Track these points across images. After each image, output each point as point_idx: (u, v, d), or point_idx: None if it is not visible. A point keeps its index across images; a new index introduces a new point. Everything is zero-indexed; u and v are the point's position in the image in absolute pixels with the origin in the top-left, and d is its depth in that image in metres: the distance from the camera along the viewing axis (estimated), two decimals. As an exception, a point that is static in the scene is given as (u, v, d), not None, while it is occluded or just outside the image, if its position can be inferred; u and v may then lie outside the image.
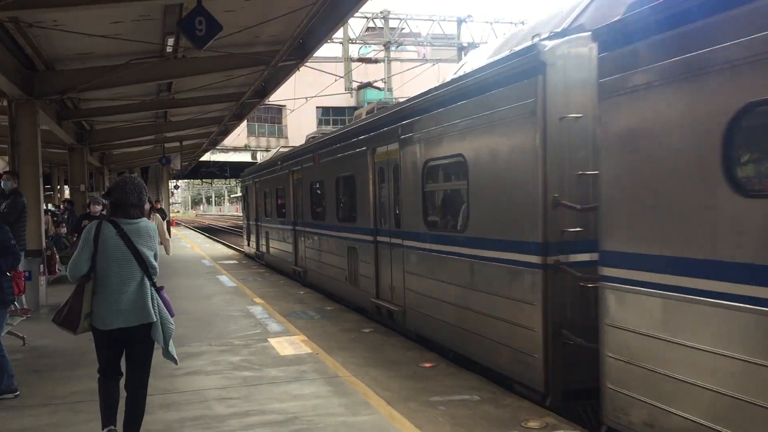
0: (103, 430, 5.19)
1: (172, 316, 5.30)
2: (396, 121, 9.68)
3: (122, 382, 5.36)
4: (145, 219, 5.36)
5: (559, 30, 6.54)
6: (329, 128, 30.53)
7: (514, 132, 6.64)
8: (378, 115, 10.97)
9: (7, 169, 16.98)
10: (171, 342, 5.26)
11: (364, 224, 11.35)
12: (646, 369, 4.91)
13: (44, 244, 13.05)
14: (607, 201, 5.35)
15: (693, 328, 4.52)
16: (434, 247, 8.59)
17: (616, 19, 5.21)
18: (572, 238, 6.21)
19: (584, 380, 6.00)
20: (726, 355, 4.25)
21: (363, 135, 11.27)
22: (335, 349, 8.79)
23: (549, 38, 6.35)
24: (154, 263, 5.20)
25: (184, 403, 6.58)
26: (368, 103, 44.52)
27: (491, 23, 27.24)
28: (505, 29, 26.27)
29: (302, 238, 15.87)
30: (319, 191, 14.52)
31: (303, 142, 17.69)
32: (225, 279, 17.11)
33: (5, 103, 12.86)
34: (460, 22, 27.18)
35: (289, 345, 9.07)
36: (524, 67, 6.41)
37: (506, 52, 7.25)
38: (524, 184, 6.49)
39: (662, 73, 4.68)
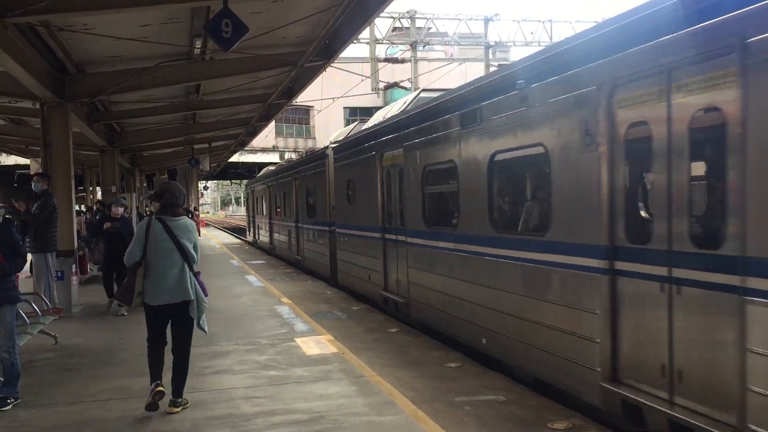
0: (151, 384, 6.38)
1: (206, 296, 6.52)
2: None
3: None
4: (185, 217, 6.60)
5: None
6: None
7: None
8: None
9: (40, 171, 17.34)
10: (204, 317, 6.50)
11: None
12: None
13: (76, 245, 13.25)
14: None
15: None
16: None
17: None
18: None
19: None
20: None
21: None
22: (361, 349, 8.80)
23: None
24: (193, 253, 6.43)
25: (211, 402, 6.63)
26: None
27: (518, 21, 27.09)
28: (532, 27, 26.12)
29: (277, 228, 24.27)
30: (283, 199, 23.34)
31: (330, 142, 17.94)
32: (253, 279, 17.23)
33: (37, 105, 13.08)
34: (487, 21, 27.05)
35: (315, 345, 9.11)
36: None
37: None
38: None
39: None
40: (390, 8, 25.52)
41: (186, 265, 6.33)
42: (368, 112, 52.46)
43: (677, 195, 5.02)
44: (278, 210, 24.34)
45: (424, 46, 27.32)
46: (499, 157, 7.57)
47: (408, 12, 25.96)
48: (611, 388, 5.58)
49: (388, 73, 34.26)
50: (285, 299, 13.37)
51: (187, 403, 6.46)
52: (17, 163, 34.27)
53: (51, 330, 9.39)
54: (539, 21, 26.88)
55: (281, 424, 5.96)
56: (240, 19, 8.16)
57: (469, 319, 8.33)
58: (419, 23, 26.73)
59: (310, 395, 6.79)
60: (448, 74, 26.92)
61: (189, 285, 6.30)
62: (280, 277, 17.72)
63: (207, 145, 26.67)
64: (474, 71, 17.08)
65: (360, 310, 12.12)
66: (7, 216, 15.74)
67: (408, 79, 25.48)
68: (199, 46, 12.24)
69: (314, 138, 49.92)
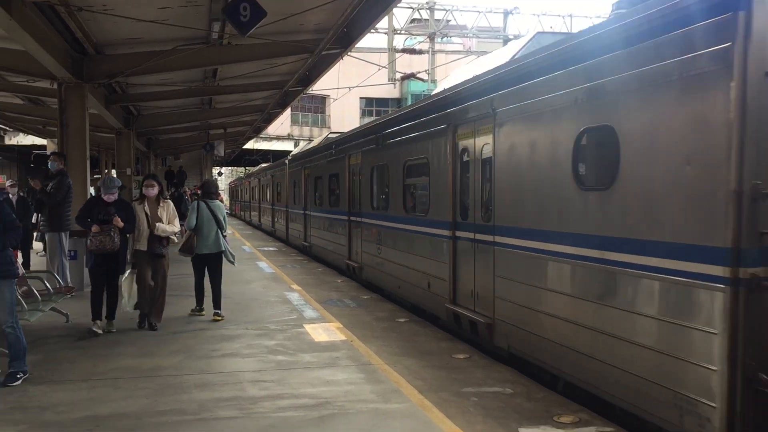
0: (196, 305, 10.31)
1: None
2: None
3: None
4: (218, 201, 10.47)
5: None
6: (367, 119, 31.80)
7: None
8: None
9: (57, 150, 17.44)
10: (231, 256, 10.28)
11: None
12: None
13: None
14: None
15: None
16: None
17: None
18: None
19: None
20: None
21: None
22: (369, 338, 8.81)
23: None
24: (224, 223, 10.15)
25: (219, 384, 6.67)
26: (412, 95, 44.43)
27: (538, 15, 26.91)
28: (552, 22, 25.93)
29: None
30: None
31: (345, 130, 18.00)
32: (264, 265, 17.28)
33: (55, 85, 13.14)
34: (506, 14, 26.89)
35: (323, 332, 9.12)
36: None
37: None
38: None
39: None
40: (409, -1, 25.50)
41: (219, 230, 10.02)
42: (384, 102, 52.62)
43: (474, 194, 8.60)
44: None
45: (442, 38, 27.18)
46: (408, 163, 11.11)
47: (427, 3, 25.85)
48: (451, 307, 9.06)
49: (406, 65, 34.14)
50: (295, 286, 13.40)
51: (224, 317, 9.88)
52: (34, 143, 34.45)
53: (63, 308, 9.46)
54: (559, 15, 26.71)
55: (287, 408, 5.98)
56: (258, 4, 8.16)
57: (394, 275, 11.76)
58: (438, 15, 26.62)
59: (317, 381, 6.80)
60: (466, 66, 26.81)
61: (221, 242, 10.07)
62: (290, 264, 17.76)
63: (222, 131, 26.71)
64: (492, 64, 17.16)
65: (370, 299, 12.13)
66: (21, 194, 15.89)
67: (425, 71, 25.39)
68: (217, 30, 12.23)
69: (329, 127, 49.89)
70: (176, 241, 10.02)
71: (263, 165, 34.88)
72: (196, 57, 13.41)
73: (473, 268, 8.57)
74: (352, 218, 14.89)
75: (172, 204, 9.73)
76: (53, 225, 11.32)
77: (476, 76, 8.75)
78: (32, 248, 15.74)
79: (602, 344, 5.84)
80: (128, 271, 9.20)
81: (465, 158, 8.90)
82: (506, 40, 26.05)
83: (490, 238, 8.02)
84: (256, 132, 32.98)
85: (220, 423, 5.62)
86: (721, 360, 4.61)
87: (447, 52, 35.95)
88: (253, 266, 17.00)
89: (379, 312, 10.79)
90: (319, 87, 22.24)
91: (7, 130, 35.28)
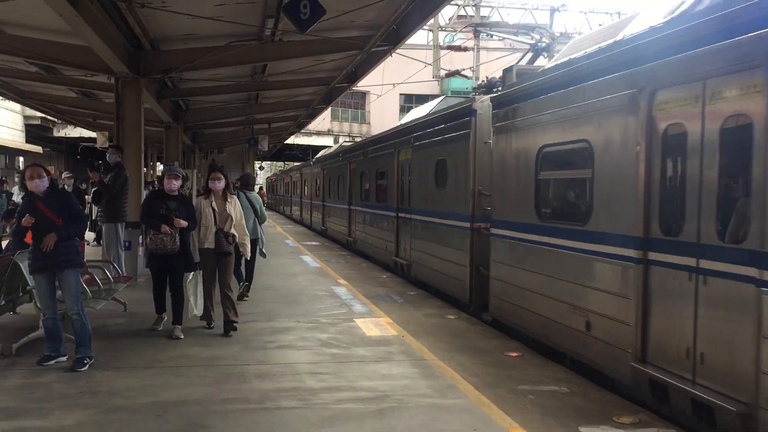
0: (239, 283, 10.77)
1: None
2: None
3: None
4: (255, 192, 11.65)
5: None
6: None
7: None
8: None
9: (107, 144, 17.85)
10: (262, 245, 11.25)
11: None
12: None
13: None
14: None
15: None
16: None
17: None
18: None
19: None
20: None
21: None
22: (420, 333, 8.88)
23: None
24: (260, 212, 11.15)
25: (278, 375, 6.81)
26: (452, 91, 44.38)
27: (586, 13, 26.73)
28: (600, 19, 25.64)
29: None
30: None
31: (388, 128, 18.12)
32: (308, 259, 17.47)
33: (112, 80, 13.47)
34: (553, 11, 26.70)
35: (374, 326, 9.22)
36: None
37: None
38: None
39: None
40: (455, -5, 25.41)
41: (256, 218, 10.95)
42: (424, 99, 52.27)
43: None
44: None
45: (487, 35, 27.04)
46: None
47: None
48: (396, 258, 14.85)
49: (447, 61, 34.07)
50: (342, 280, 13.53)
51: (248, 298, 11.02)
52: (81, 135, 35.25)
53: (120, 297, 9.72)
54: (607, 13, 26.42)
55: (347, 400, 6.09)
56: (318, 1, 8.27)
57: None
58: (483, 12, 26.53)
59: (373, 374, 6.90)
60: (509, 64, 26.65)
61: (257, 229, 10.94)
62: (335, 259, 17.92)
63: (267, 126, 27.00)
64: (538, 61, 17.02)
65: (416, 295, 12.20)
66: (79, 186, 16.30)
67: (470, 68, 25.32)
68: (270, 27, 12.39)
69: (369, 123, 50.03)
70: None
71: (318, 156, 31.62)
72: (248, 53, 13.61)
73: None
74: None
75: (238, 200, 9.21)
76: (110, 216, 11.62)
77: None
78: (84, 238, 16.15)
79: (438, 263, 12.27)
80: (192, 274, 8.46)
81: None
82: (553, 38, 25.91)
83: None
84: (299, 127, 33.24)
85: (283, 413, 5.74)
86: (467, 262, 10.74)
87: (489, 49, 35.79)
88: (298, 260, 17.20)
89: (427, 308, 10.87)
90: (360, 83, 22.33)
91: (56, 123, 36.19)
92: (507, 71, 10.12)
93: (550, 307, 7.83)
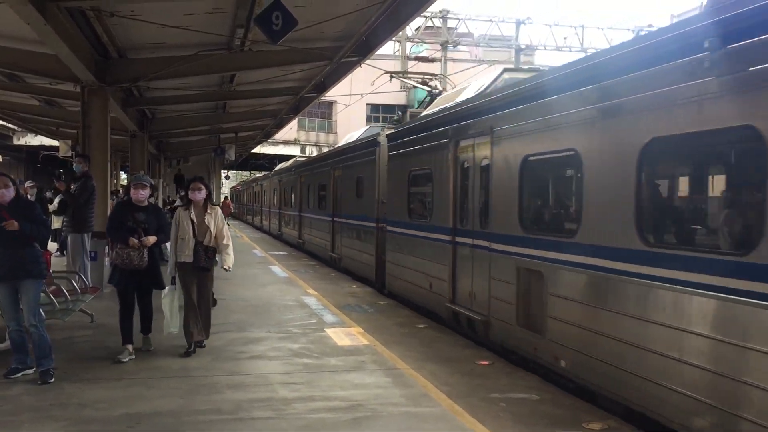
0: None
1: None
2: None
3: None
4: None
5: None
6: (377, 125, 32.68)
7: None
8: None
9: (71, 152, 17.60)
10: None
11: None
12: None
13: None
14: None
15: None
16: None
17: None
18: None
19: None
20: None
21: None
22: (391, 343, 8.93)
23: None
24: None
25: (251, 385, 6.80)
26: (418, 101, 44.62)
27: (550, 26, 27.08)
28: (564, 32, 26.10)
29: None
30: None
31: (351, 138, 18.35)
32: (277, 269, 17.42)
33: (78, 88, 13.30)
34: (518, 24, 27.08)
35: (345, 336, 9.25)
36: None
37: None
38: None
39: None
40: (422, 7, 25.63)
41: None
42: (390, 109, 52.71)
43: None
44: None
45: (454, 46, 27.35)
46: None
47: (441, 12, 26.02)
48: (332, 254, 18.53)
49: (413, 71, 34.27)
50: (311, 290, 13.52)
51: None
52: (42, 143, 34.59)
53: (87, 308, 9.59)
54: (571, 26, 26.87)
55: (321, 409, 6.11)
56: (290, 12, 8.31)
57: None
58: (450, 23, 26.78)
59: (346, 384, 6.93)
60: (476, 75, 26.98)
61: None
62: (303, 269, 17.88)
63: (234, 135, 26.84)
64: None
65: (387, 305, 12.25)
66: (44, 195, 16.03)
67: (436, 77, 25.47)
68: (240, 37, 12.38)
69: (335, 133, 50.05)
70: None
71: (281, 165, 34.71)
72: (217, 62, 13.58)
73: None
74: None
75: (220, 211, 8.48)
76: (76, 226, 11.46)
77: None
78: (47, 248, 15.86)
79: (357, 254, 16.06)
80: (168, 288, 8.09)
81: None
82: (518, 50, 26.30)
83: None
84: (267, 137, 33.14)
85: (257, 423, 5.74)
86: (374, 252, 14.35)
87: (455, 60, 36.12)
88: (267, 270, 17.14)
89: (397, 317, 10.93)
90: (328, 92, 22.42)
91: (16, 131, 35.46)
92: (403, 111, 14.35)
93: (413, 276, 11.76)
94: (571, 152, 6.92)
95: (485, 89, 10.11)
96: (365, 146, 15.74)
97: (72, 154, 15.99)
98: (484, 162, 9.03)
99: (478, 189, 9.29)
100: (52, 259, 15.58)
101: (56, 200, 13.07)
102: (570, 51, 26.55)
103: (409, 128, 12.67)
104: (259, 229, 38.57)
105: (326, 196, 19.76)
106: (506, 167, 8.33)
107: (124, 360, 7.63)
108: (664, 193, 6.25)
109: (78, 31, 10.96)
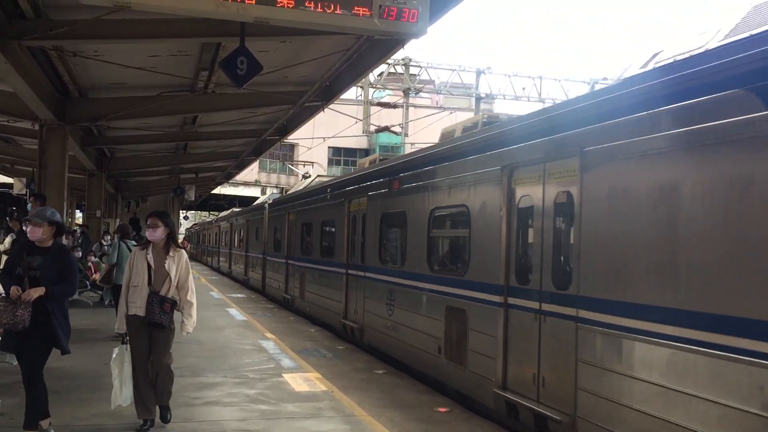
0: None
1: None
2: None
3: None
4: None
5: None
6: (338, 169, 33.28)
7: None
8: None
9: (26, 190, 17.30)
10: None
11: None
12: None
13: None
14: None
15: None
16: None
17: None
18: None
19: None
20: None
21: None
22: (349, 388, 8.84)
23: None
24: None
25: (205, 433, 6.64)
26: (380, 146, 45.18)
27: (509, 76, 27.79)
28: (523, 83, 26.82)
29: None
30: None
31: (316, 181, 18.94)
32: (235, 312, 17.18)
33: (36, 126, 13.16)
34: (479, 73, 27.72)
35: (303, 381, 9.13)
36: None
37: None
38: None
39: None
40: (385, 54, 26.10)
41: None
42: (352, 152, 53.19)
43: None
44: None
45: (416, 93, 27.85)
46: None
47: (403, 59, 26.56)
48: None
49: (375, 117, 34.83)
50: (269, 334, 13.36)
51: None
52: (-3, 181, 33.92)
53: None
54: (529, 77, 27.63)
55: (277, 458, 5.99)
56: (255, 58, 8.37)
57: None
58: (413, 70, 27.33)
59: (302, 431, 6.82)
60: (437, 122, 27.45)
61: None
62: (261, 312, 17.68)
63: (194, 175, 26.75)
64: (463, 118, 18.37)
65: (345, 349, 12.16)
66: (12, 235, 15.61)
67: (399, 124, 25.94)
68: (204, 79, 12.45)
69: (296, 175, 50.14)
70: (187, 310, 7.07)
71: (235, 209, 39.27)
72: (180, 104, 13.61)
73: None
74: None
75: (186, 256, 7.03)
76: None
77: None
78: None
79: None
80: (117, 349, 6.81)
81: None
82: (478, 98, 26.89)
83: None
84: (227, 178, 33.10)
85: (211, 472, 5.61)
86: (261, 272, 23.03)
87: (417, 107, 36.73)
88: (224, 313, 16.89)
89: (356, 363, 10.84)
90: (290, 135, 22.69)
91: (-32, 167, 34.70)
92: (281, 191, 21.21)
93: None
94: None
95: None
96: (260, 207, 24.29)
97: (26, 192, 15.70)
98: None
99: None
100: None
101: (7, 239, 12.78)
102: (528, 101, 27.31)
103: (276, 201, 22.53)
104: (217, 270, 38.83)
105: (243, 238, 27.81)
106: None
107: None
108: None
109: (39, 69, 10.91)
